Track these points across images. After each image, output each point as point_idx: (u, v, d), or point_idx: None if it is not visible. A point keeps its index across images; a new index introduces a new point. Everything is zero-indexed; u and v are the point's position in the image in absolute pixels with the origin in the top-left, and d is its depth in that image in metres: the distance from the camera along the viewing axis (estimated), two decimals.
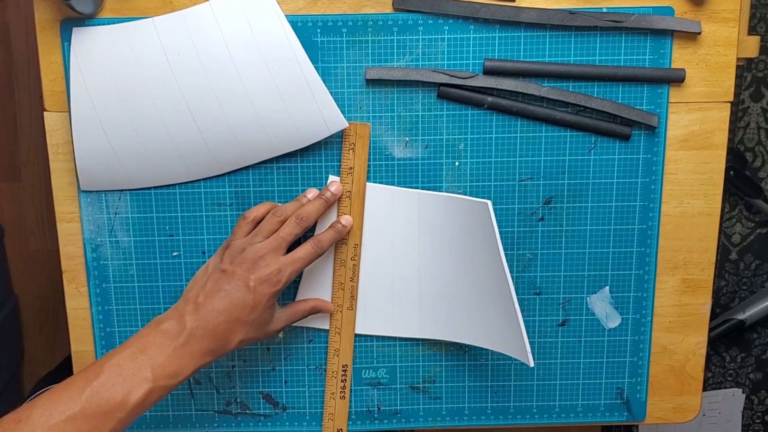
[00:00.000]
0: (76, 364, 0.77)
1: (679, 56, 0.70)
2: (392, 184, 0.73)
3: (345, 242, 0.73)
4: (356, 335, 0.76)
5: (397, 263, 0.74)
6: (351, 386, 0.77)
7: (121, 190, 0.73)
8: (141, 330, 0.64)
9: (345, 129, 0.70)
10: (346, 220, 0.72)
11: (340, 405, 0.76)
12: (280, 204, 0.72)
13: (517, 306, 0.67)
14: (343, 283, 0.74)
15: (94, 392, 0.59)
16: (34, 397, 0.60)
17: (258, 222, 0.70)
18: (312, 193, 0.71)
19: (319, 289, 0.74)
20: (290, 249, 0.68)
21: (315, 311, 0.73)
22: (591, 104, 0.71)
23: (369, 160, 0.72)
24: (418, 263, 0.74)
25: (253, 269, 0.65)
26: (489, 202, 0.68)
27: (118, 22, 0.68)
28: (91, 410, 0.58)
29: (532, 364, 0.67)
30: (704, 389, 1.56)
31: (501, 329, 0.70)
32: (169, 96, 0.68)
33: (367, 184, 0.72)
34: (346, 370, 0.76)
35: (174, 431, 0.78)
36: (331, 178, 0.72)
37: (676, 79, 0.71)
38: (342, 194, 0.72)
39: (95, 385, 0.59)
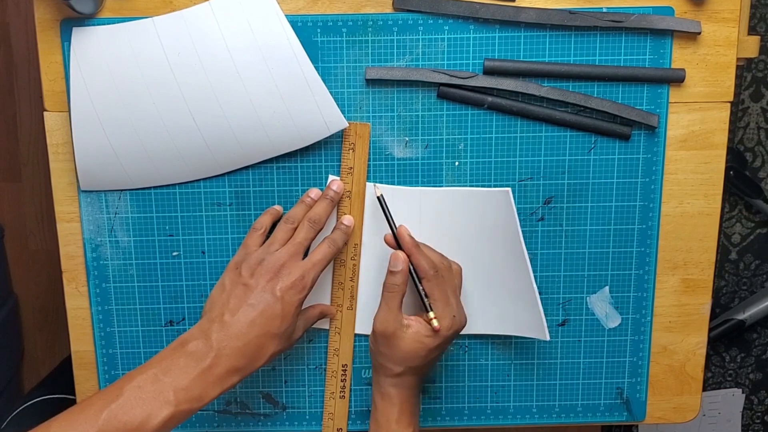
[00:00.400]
0: (76, 364, 0.77)
1: (679, 56, 0.70)
2: (392, 183, 0.73)
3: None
4: (356, 335, 0.76)
5: None
6: (351, 386, 0.77)
7: (121, 190, 0.73)
8: (164, 350, 0.62)
9: (345, 129, 0.70)
10: (348, 220, 0.72)
11: (340, 404, 0.76)
12: (278, 209, 0.72)
13: (535, 284, 0.70)
14: (343, 282, 0.74)
15: (113, 415, 0.57)
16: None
17: (267, 232, 0.70)
18: (314, 192, 0.71)
19: (319, 287, 0.74)
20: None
21: (322, 316, 0.73)
22: (591, 104, 0.71)
23: (369, 160, 0.72)
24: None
25: (277, 278, 0.64)
26: (509, 190, 0.69)
27: (118, 22, 0.68)
28: None
29: (548, 337, 0.71)
30: (704, 389, 1.56)
31: (516, 311, 0.72)
32: (169, 96, 0.68)
33: (369, 185, 0.72)
34: (345, 370, 0.76)
35: (173, 431, 0.78)
36: (331, 177, 0.72)
37: (676, 79, 0.71)
38: (343, 192, 0.72)
39: (114, 407, 0.57)
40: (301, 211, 0.70)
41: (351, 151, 0.71)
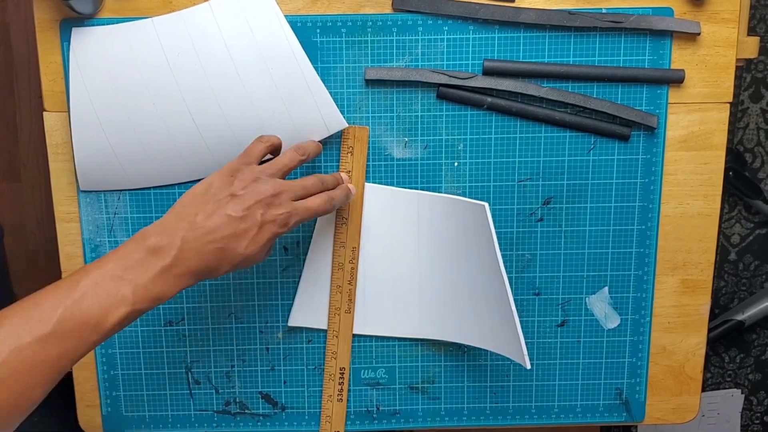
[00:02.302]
0: (76, 365, 0.77)
1: (679, 57, 0.71)
2: (391, 184, 0.73)
3: (343, 245, 0.73)
4: (356, 335, 0.76)
5: (396, 263, 0.74)
6: (349, 387, 0.77)
7: (121, 190, 0.73)
8: (124, 243, 0.58)
9: (343, 131, 0.70)
10: (354, 188, 0.70)
11: (337, 407, 0.76)
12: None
13: (513, 308, 0.67)
14: (341, 286, 0.74)
15: (69, 313, 0.54)
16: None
17: (274, 152, 0.67)
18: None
19: (318, 288, 0.74)
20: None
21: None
22: (590, 105, 0.71)
23: (368, 161, 0.72)
24: (417, 264, 0.74)
25: (265, 205, 0.61)
26: (486, 205, 0.68)
27: (118, 23, 0.68)
28: (63, 332, 0.53)
29: (528, 366, 0.67)
30: (703, 390, 1.56)
31: (498, 330, 0.70)
32: (168, 96, 0.68)
33: (366, 184, 0.72)
34: (343, 373, 0.76)
35: (173, 431, 0.78)
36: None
37: (676, 79, 0.71)
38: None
39: (69, 305, 0.54)
40: (317, 146, 0.68)
41: (349, 154, 0.71)
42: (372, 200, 0.72)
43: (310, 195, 0.65)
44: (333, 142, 0.72)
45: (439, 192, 0.73)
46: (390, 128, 0.72)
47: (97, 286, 0.55)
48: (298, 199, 0.63)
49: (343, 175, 0.71)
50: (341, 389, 0.76)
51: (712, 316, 1.52)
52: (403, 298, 0.75)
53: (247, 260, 0.62)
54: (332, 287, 0.74)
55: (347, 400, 0.78)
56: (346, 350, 0.75)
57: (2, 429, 0.53)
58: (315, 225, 0.73)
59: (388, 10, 0.69)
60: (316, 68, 0.69)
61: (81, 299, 0.55)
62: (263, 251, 0.62)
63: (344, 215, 0.72)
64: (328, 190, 0.67)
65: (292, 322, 0.75)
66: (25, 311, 0.54)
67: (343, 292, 0.74)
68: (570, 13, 0.69)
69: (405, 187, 0.73)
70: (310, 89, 0.69)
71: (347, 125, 0.70)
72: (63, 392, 0.93)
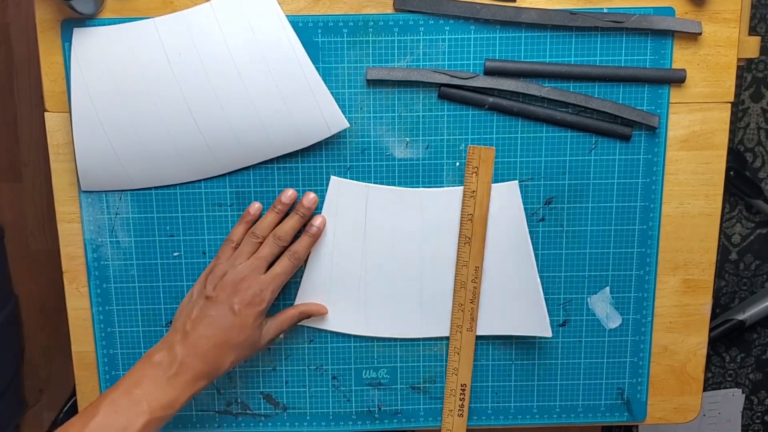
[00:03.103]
0: (77, 365, 0.77)
1: (680, 57, 0.71)
2: (393, 184, 0.73)
3: (466, 265, 0.73)
4: (357, 336, 0.76)
5: (400, 263, 0.74)
6: (351, 387, 0.77)
7: (122, 191, 0.73)
8: (134, 366, 0.65)
9: (468, 150, 0.71)
10: (320, 221, 0.72)
11: (458, 422, 0.77)
12: (254, 213, 0.72)
13: (538, 279, 0.73)
14: (463, 304, 0.74)
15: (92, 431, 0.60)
16: None
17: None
18: (287, 195, 0.71)
19: (319, 288, 0.74)
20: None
21: (304, 316, 0.73)
22: (591, 105, 0.71)
23: (369, 161, 0.72)
24: (420, 262, 0.73)
25: (236, 292, 0.67)
26: (516, 183, 0.71)
27: (119, 23, 0.68)
28: None
29: (550, 334, 0.73)
30: (704, 389, 1.56)
31: (519, 309, 0.73)
32: (169, 96, 0.68)
33: (370, 185, 0.72)
34: (464, 390, 0.76)
35: (174, 431, 0.78)
36: (333, 178, 0.72)
37: (677, 79, 0.71)
38: (314, 206, 0.71)
39: (92, 425, 0.60)
40: (270, 220, 0.70)
41: (474, 174, 0.71)
42: (378, 201, 0.72)
43: (275, 259, 0.70)
44: (334, 142, 0.72)
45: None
46: (391, 128, 0.72)
47: (114, 404, 0.62)
48: (265, 271, 0.69)
49: (310, 194, 0.71)
50: (462, 405, 0.77)
51: (713, 315, 1.52)
52: (406, 298, 0.75)
53: (248, 347, 0.68)
54: (454, 305, 0.74)
55: (351, 401, 0.78)
56: (467, 368, 0.76)
57: None
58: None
59: (390, 10, 0.69)
60: (317, 68, 0.69)
61: (102, 419, 0.61)
62: (257, 334, 0.69)
63: (467, 234, 0.72)
64: (289, 244, 0.70)
65: None
66: None
67: (465, 310, 0.74)
68: (571, 12, 0.69)
69: (406, 187, 0.73)
70: (311, 89, 0.69)
71: (348, 125, 0.70)
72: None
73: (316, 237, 0.72)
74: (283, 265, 0.69)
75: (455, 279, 0.74)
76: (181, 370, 0.64)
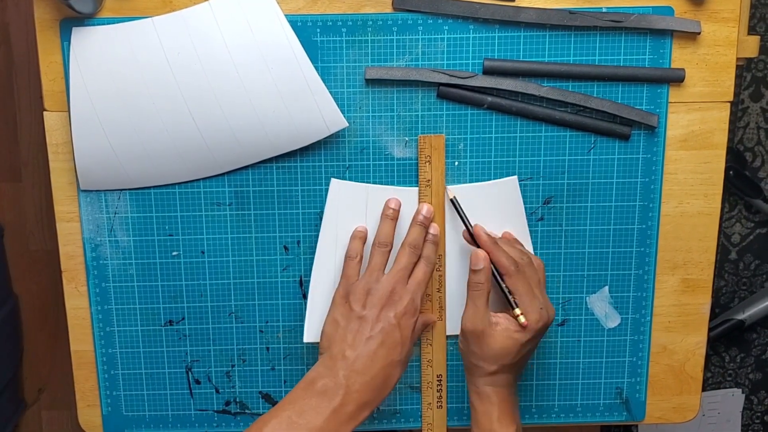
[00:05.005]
0: (76, 364, 0.77)
1: (679, 56, 0.70)
2: (392, 183, 0.73)
3: None
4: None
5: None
6: (446, 395, 0.77)
7: (121, 190, 0.73)
8: (294, 390, 0.63)
9: (419, 140, 0.70)
10: (434, 228, 0.71)
11: (438, 414, 0.76)
12: (363, 231, 0.71)
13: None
14: (431, 294, 0.74)
15: None
16: None
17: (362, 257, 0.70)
18: (394, 203, 0.71)
19: (323, 290, 0.74)
20: None
21: (425, 326, 0.73)
22: (590, 104, 0.71)
23: (368, 160, 0.72)
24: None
25: (390, 306, 0.65)
26: (515, 178, 0.71)
27: (118, 22, 0.68)
28: None
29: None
30: (704, 389, 1.56)
31: None
32: (168, 96, 0.68)
33: (370, 186, 0.72)
34: (441, 380, 0.76)
35: (173, 431, 0.78)
36: (333, 181, 0.72)
37: (676, 78, 0.71)
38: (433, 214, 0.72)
39: None
40: (389, 229, 0.70)
41: (427, 163, 0.71)
42: (378, 202, 0.72)
43: (413, 268, 0.68)
44: (333, 141, 0.72)
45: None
46: (390, 128, 0.72)
47: None
48: (408, 280, 0.67)
49: (425, 206, 0.71)
50: (440, 396, 0.76)
51: (713, 315, 1.53)
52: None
53: (406, 361, 0.66)
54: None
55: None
56: (441, 357, 0.75)
57: None
58: (315, 225, 0.73)
59: (389, 9, 0.69)
60: (316, 68, 0.69)
61: None
62: (412, 346, 0.67)
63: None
64: (419, 250, 0.70)
65: (308, 338, 0.74)
66: None
67: (434, 300, 0.74)
68: (570, 12, 0.69)
69: (405, 186, 0.73)
70: (310, 89, 0.69)
71: (347, 124, 0.70)
72: None
73: (437, 243, 0.71)
74: (423, 271, 0.69)
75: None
76: (347, 399, 0.62)
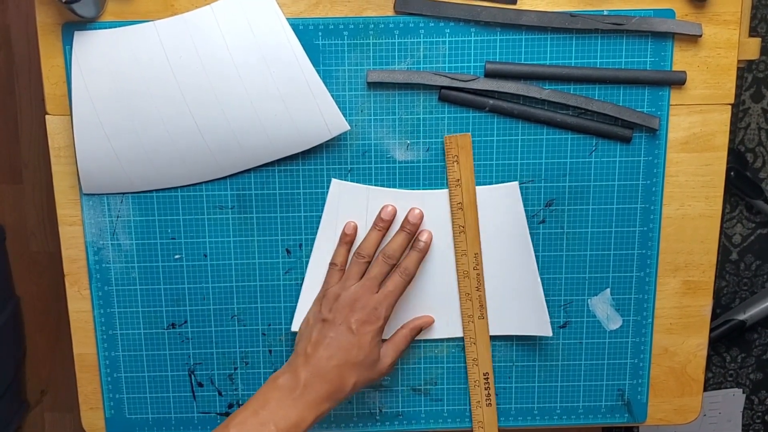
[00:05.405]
0: (79, 367, 0.77)
1: (680, 58, 0.71)
2: (393, 186, 0.73)
3: (465, 254, 0.73)
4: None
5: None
6: (495, 392, 0.77)
7: (123, 193, 0.73)
8: (260, 389, 0.67)
9: (445, 141, 0.71)
10: (426, 236, 0.72)
11: (487, 412, 0.77)
12: (351, 234, 0.72)
13: (539, 278, 0.73)
14: (470, 293, 0.74)
15: None
16: None
17: (345, 265, 0.72)
18: (387, 211, 0.72)
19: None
20: None
21: (416, 332, 0.74)
22: (592, 107, 0.71)
23: (370, 163, 0.72)
24: (422, 264, 0.73)
25: (352, 312, 0.68)
26: (516, 184, 0.71)
27: (120, 26, 0.68)
28: None
29: (551, 333, 0.74)
30: (705, 389, 1.56)
31: (520, 308, 0.74)
32: (170, 99, 0.69)
33: (371, 187, 0.73)
34: (488, 378, 0.76)
35: (174, 431, 0.79)
36: (334, 181, 0.72)
37: (677, 81, 0.71)
38: (420, 221, 0.72)
39: None
40: (373, 240, 0.71)
41: (455, 163, 0.71)
42: (379, 204, 0.72)
43: (384, 277, 0.70)
44: (335, 144, 0.72)
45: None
46: (392, 130, 0.72)
47: (243, 425, 0.64)
48: (379, 289, 0.70)
49: (414, 212, 0.72)
50: (488, 394, 0.76)
51: (714, 315, 1.53)
52: (414, 300, 0.75)
53: (368, 367, 0.69)
54: (461, 296, 0.74)
55: (352, 402, 0.78)
56: (486, 355, 0.76)
57: None
58: (317, 228, 0.73)
59: (390, 12, 0.69)
60: (318, 71, 0.69)
61: None
62: (375, 353, 0.69)
63: (460, 224, 0.72)
64: (397, 261, 0.71)
65: (296, 327, 0.75)
66: None
67: (473, 299, 0.74)
68: (571, 15, 0.69)
69: (407, 189, 0.73)
70: (312, 92, 0.69)
71: (349, 128, 0.70)
72: None
73: (425, 252, 0.72)
74: (395, 282, 0.70)
75: (457, 270, 0.74)
76: (306, 392, 0.66)
